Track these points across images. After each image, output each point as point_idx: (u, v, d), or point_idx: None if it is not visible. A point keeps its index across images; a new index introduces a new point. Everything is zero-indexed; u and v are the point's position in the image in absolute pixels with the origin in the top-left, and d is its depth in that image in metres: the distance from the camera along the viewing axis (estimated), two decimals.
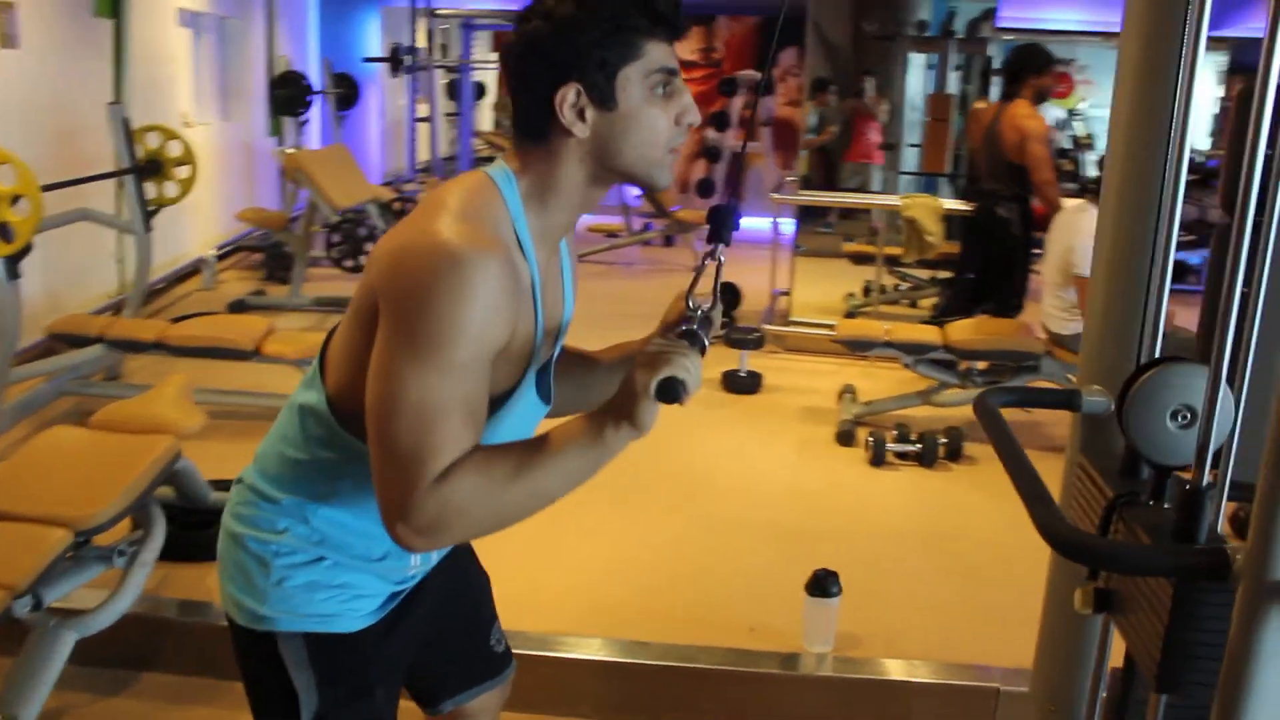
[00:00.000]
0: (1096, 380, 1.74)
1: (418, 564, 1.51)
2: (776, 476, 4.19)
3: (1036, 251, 7.82)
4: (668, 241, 9.42)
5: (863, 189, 9.01)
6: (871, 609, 2.95)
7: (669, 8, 1.28)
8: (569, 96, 1.25)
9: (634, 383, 1.21)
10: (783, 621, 2.92)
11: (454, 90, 12.08)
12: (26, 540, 2.39)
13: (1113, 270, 1.71)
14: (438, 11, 10.37)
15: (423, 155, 11.19)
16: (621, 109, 1.27)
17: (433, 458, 1.20)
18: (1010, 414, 4.73)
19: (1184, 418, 1.30)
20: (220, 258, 7.23)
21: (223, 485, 3.38)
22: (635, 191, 9.13)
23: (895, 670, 2.72)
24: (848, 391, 5.02)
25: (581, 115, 1.26)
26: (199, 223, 7.30)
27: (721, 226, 1.36)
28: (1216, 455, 1.22)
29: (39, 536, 2.41)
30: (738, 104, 10.10)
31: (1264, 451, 1.12)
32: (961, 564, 3.47)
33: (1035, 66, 5.35)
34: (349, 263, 5.76)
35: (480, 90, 13.88)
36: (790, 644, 2.82)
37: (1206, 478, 1.22)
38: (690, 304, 1.36)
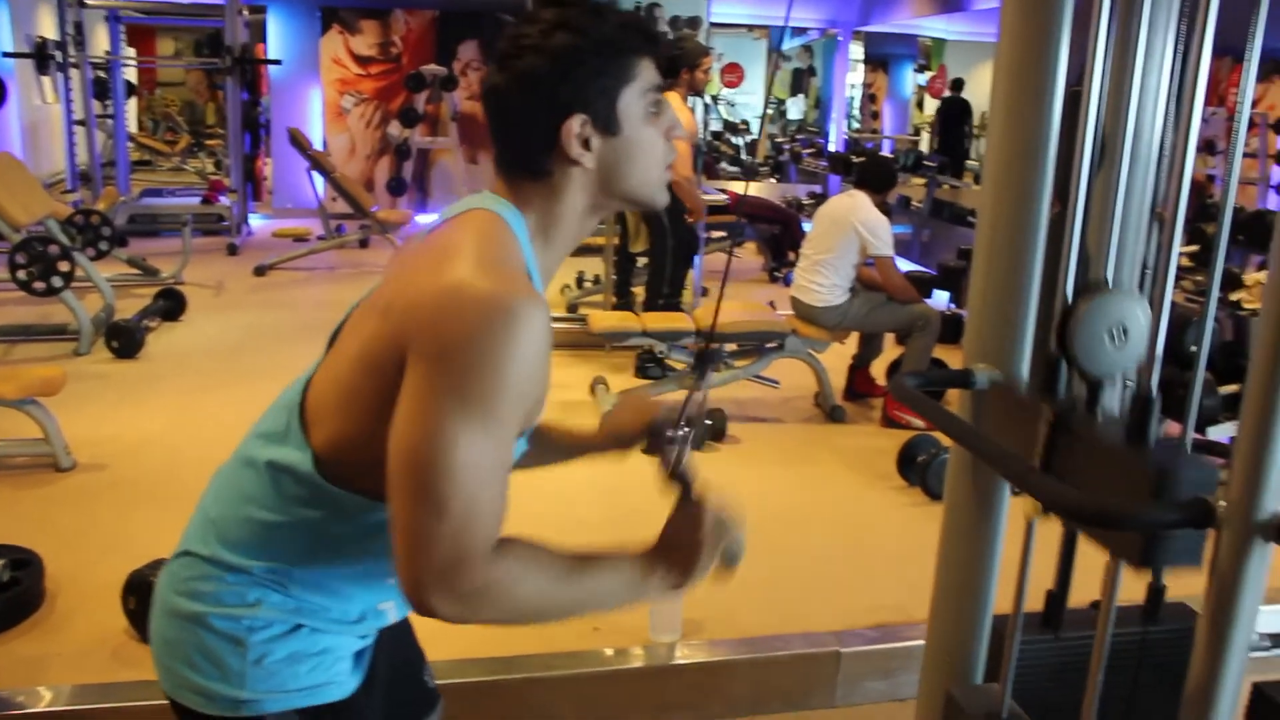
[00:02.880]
0: (982, 358, 1.89)
1: (394, 618, 1.42)
2: (561, 474, 4.16)
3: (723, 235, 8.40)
4: (363, 243, 9.14)
5: None
6: (701, 591, 3.02)
7: (654, 25, 1.28)
8: (574, 127, 1.21)
9: (697, 542, 1.34)
10: (623, 615, 2.94)
11: (103, 89, 11.09)
12: None
13: (993, 258, 1.86)
14: (87, 1, 9.44)
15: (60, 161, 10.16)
16: (625, 133, 1.24)
17: (484, 520, 1.13)
18: (759, 390, 5.01)
19: (1118, 337, 1.47)
20: None
21: None
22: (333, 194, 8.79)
23: (744, 649, 2.83)
24: (600, 383, 5.10)
25: (587, 145, 1.23)
26: None
27: (707, 363, 1.43)
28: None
29: None
30: (423, 99, 9.94)
31: (1244, 408, 1.29)
32: (762, 538, 3.61)
33: (690, 61, 5.60)
34: (40, 286, 5.16)
35: (130, 89, 12.84)
36: (638, 637, 2.86)
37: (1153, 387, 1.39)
38: (676, 431, 1.49)
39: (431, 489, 1.10)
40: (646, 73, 1.26)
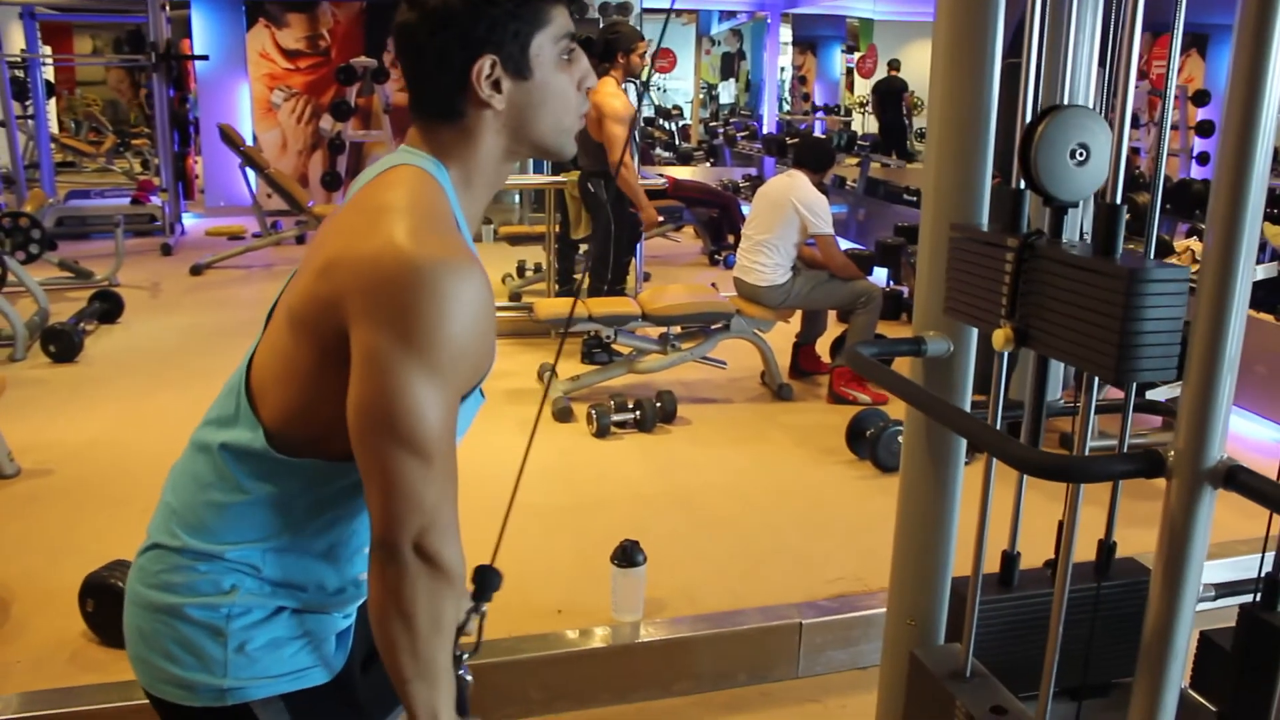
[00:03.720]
0: (931, 327, 1.94)
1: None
2: (513, 460, 4.19)
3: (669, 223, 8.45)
4: (300, 240, 9.03)
5: None
6: (661, 571, 3.07)
7: None
8: (485, 69, 1.23)
9: None
10: (585, 597, 2.99)
11: (21, 89, 10.82)
12: None
13: (938, 229, 1.91)
14: None
15: None
16: (536, 78, 1.26)
17: (454, 476, 1.19)
18: (707, 371, 5.04)
19: (1080, 155, 1.49)
20: None
21: None
22: (268, 191, 8.67)
23: (706, 625, 2.86)
24: (548, 369, 5.11)
25: (497, 87, 1.24)
26: None
27: (487, 586, 1.39)
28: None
29: None
30: (354, 92, 9.84)
31: (1188, 364, 1.35)
32: (715, 516, 3.68)
33: (626, 46, 5.63)
34: None
35: (49, 89, 12.54)
36: (601, 618, 2.89)
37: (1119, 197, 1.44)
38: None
39: (415, 438, 1.14)
40: (560, 19, 1.27)
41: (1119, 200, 1.43)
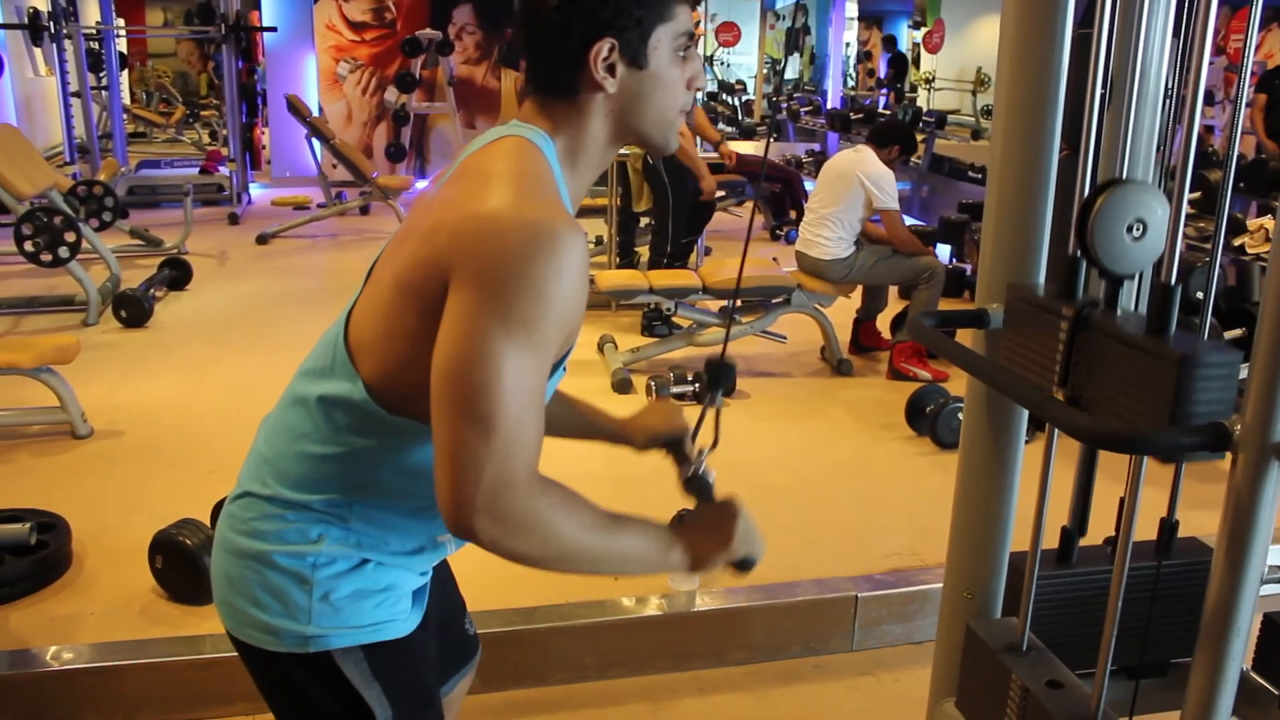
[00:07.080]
0: (995, 299, 1.92)
1: (450, 551, 1.46)
2: (577, 459, 4.22)
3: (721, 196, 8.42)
4: (364, 210, 9.15)
5: None
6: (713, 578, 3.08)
7: None
8: (603, 51, 1.24)
9: (724, 539, 1.38)
10: None
11: (96, 61, 11.04)
12: None
13: (1003, 201, 1.89)
14: None
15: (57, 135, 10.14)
16: (650, 69, 1.28)
17: (528, 443, 1.16)
18: (766, 345, 5.02)
19: (1137, 230, 1.47)
20: None
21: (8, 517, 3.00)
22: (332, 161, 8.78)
23: (762, 596, 2.88)
24: (608, 341, 5.14)
25: (612, 71, 1.26)
26: None
27: (722, 378, 1.40)
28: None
29: None
30: (419, 64, 9.92)
31: (1258, 333, 1.32)
32: (772, 488, 3.69)
33: None
34: (47, 257, 5.18)
35: (122, 61, 12.77)
36: (657, 586, 2.91)
37: (1174, 278, 1.40)
38: (695, 452, 1.40)
39: (480, 408, 1.13)
40: (682, 17, 1.29)
41: (1174, 280, 1.41)
